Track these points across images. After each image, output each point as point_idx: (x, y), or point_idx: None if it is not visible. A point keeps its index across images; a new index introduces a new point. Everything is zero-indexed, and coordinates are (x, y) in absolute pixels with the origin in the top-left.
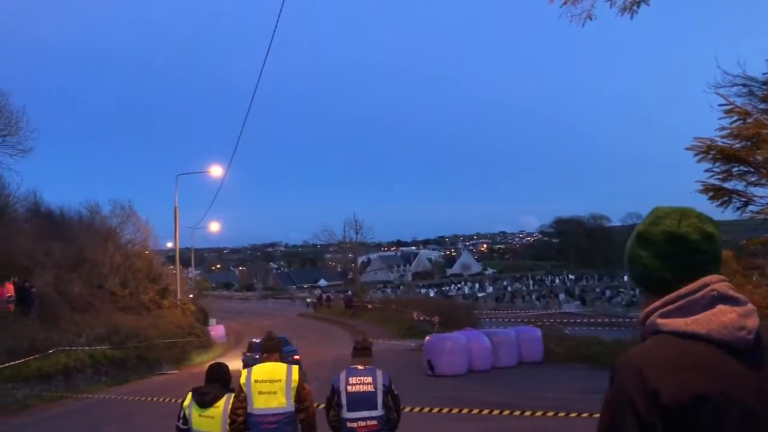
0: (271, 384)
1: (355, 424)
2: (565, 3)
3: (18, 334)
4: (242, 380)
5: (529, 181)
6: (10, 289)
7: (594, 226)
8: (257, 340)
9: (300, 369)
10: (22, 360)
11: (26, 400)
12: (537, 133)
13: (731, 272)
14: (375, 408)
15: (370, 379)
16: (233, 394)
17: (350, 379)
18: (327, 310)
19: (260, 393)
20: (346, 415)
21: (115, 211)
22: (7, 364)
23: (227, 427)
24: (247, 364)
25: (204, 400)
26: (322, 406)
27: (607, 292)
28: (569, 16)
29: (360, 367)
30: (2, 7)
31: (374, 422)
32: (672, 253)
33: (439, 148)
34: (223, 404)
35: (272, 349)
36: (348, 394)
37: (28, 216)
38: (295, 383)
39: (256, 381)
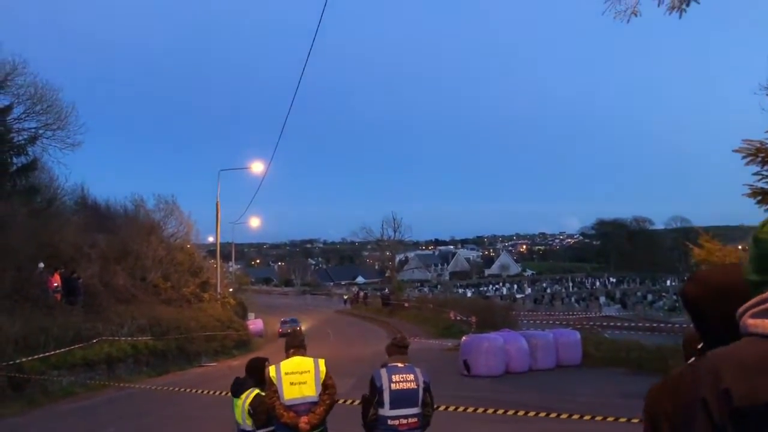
0: (301, 375)
1: (396, 422)
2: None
3: (64, 323)
4: (272, 373)
5: (571, 181)
6: (57, 279)
7: (637, 229)
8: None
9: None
10: (68, 348)
11: (71, 387)
12: (581, 133)
13: None
14: (416, 405)
15: (412, 377)
16: (256, 390)
17: (393, 376)
18: (364, 308)
19: (291, 384)
20: (389, 412)
21: (158, 205)
22: (53, 352)
23: (246, 417)
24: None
25: (235, 391)
26: (357, 402)
27: (649, 296)
28: (613, 13)
29: (400, 364)
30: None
31: (415, 420)
32: (757, 255)
33: (480, 147)
34: (245, 396)
35: (298, 344)
36: (392, 391)
37: (75, 208)
38: (323, 374)
39: (286, 373)
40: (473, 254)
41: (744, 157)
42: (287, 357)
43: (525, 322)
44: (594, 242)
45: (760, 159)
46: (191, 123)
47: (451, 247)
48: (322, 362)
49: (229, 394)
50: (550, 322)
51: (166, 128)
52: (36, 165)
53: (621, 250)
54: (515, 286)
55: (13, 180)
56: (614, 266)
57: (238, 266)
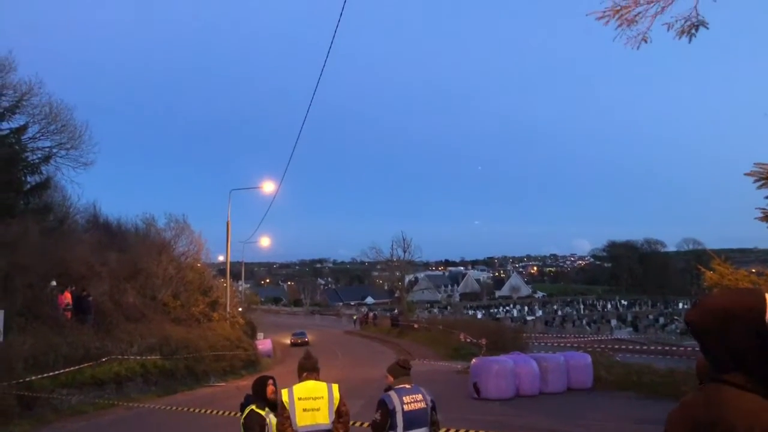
0: (314, 401)
1: None
2: (620, 26)
3: (74, 341)
4: (285, 398)
5: (582, 203)
6: (68, 297)
7: (648, 252)
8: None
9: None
10: (77, 367)
11: (80, 406)
12: (592, 154)
13: None
14: (426, 425)
15: (420, 396)
16: (252, 406)
17: (404, 398)
18: (373, 328)
19: (304, 410)
20: (402, 429)
21: (169, 224)
22: (63, 371)
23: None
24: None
25: (242, 408)
26: (366, 424)
27: (661, 320)
28: (624, 39)
29: (407, 386)
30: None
31: None
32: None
33: (490, 168)
34: (243, 414)
35: (311, 368)
36: (405, 413)
37: (87, 227)
38: (336, 400)
39: (299, 399)
40: (483, 275)
41: (756, 181)
42: (300, 381)
43: (536, 344)
44: (605, 264)
45: None
46: (204, 142)
47: (462, 268)
48: (336, 388)
49: (237, 414)
50: (561, 344)
51: (178, 148)
52: (49, 184)
53: (632, 272)
54: (526, 308)
55: (27, 198)
56: (626, 289)
57: (248, 285)
